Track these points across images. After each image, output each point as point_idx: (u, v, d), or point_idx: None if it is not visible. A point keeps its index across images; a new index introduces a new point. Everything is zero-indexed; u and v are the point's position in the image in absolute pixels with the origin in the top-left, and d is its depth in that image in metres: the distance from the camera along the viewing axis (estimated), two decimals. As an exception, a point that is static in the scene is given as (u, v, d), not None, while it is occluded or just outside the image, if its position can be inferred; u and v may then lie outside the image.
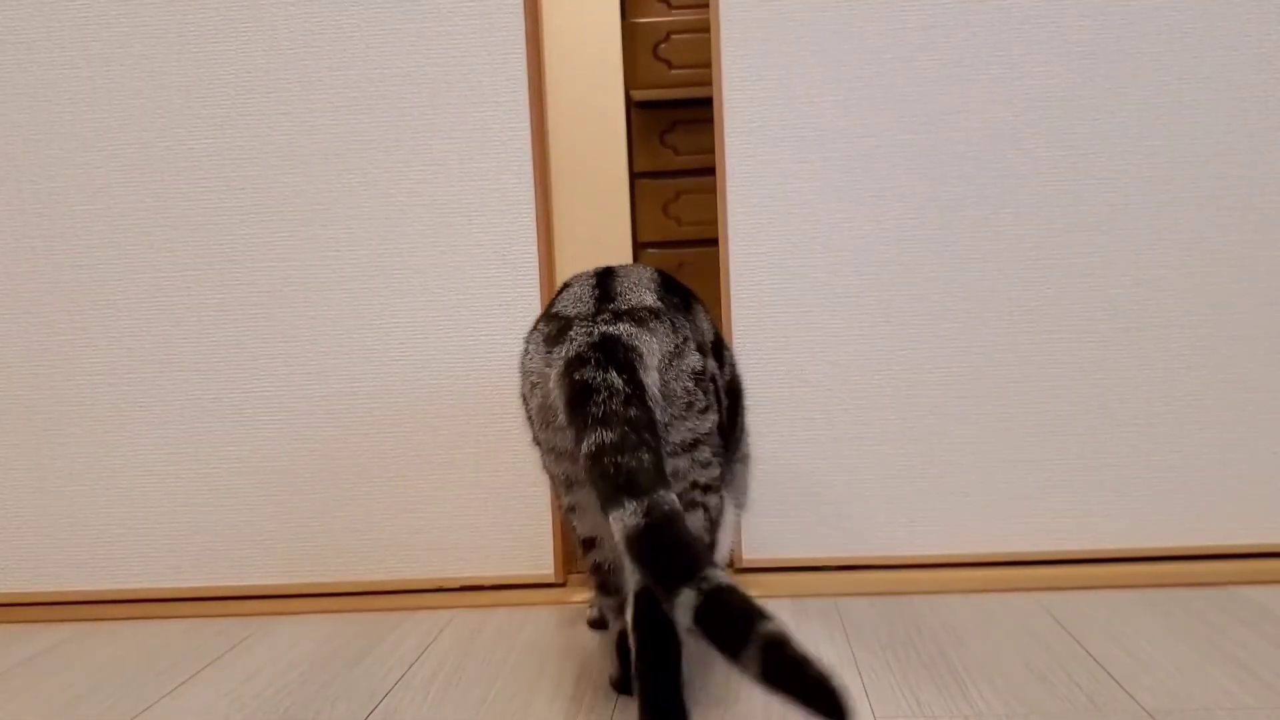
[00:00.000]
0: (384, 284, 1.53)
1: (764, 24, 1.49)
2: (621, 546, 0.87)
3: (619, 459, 0.89)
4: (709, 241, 1.53)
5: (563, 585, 1.55)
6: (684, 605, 0.82)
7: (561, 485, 1.09)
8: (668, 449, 1.01)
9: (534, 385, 1.05)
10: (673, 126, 2.95)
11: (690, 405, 1.03)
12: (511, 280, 1.52)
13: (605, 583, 1.11)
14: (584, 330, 0.99)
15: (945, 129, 1.49)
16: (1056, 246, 1.49)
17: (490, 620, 1.44)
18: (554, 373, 0.98)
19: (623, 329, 0.98)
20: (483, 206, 1.52)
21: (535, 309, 1.51)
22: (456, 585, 1.54)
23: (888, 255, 1.50)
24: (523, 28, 1.50)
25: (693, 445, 1.05)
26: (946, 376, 1.51)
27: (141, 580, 1.57)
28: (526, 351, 1.09)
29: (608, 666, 1.20)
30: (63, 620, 1.55)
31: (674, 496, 0.89)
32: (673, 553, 0.85)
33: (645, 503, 0.87)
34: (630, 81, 2.93)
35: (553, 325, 1.04)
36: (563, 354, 0.98)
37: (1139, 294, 1.49)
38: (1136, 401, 1.50)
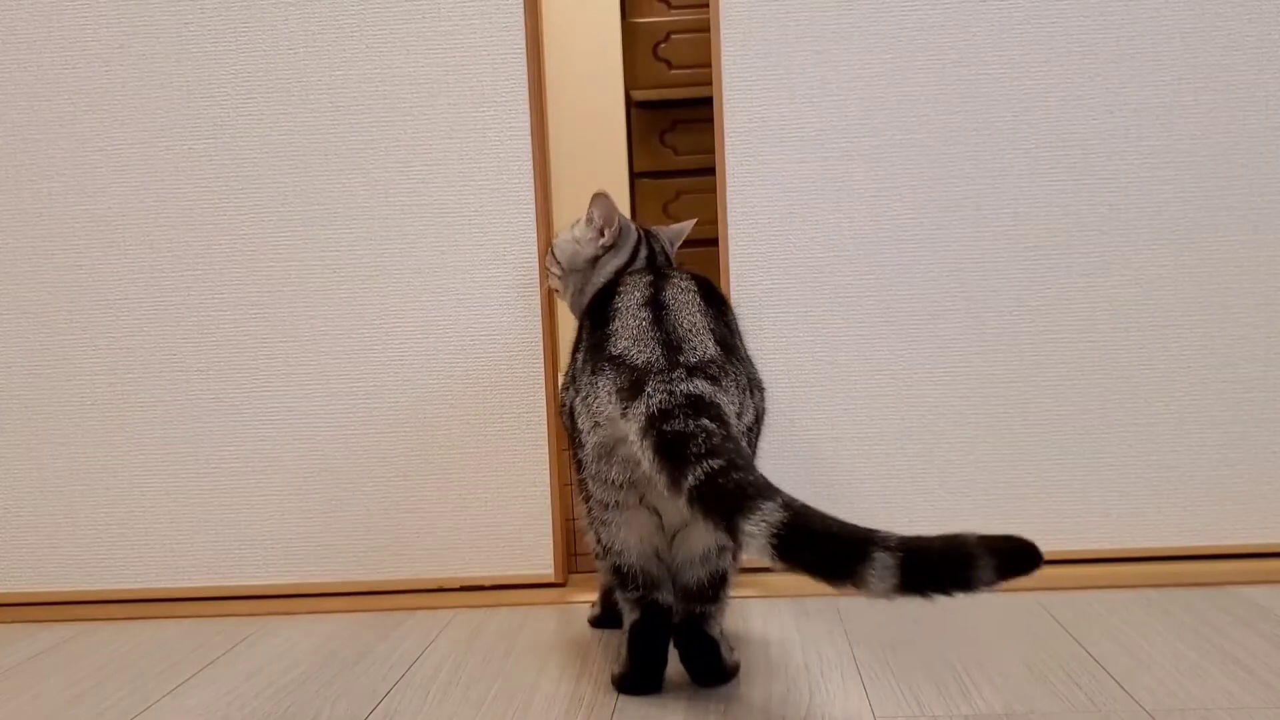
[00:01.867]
0: (384, 284, 1.53)
1: (764, 24, 1.49)
2: (765, 547, 0.90)
3: (734, 475, 0.94)
4: (709, 241, 1.53)
5: (563, 585, 1.55)
6: (881, 567, 0.85)
7: (599, 506, 1.14)
8: None
9: (597, 425, 1.10)
10: (673, 126, 2.95)
11: None
12: (511, 280, 1.52)
13: (626, 581, 1.14)
14: (663, 387, 1.04)
15: (945, 129, 1.49)
16: (1056, 246, 1.49)
17: (490, 620, 1.44)
18: (635, 426, 1.03)
19: (702, 387, 1.04)
20: (483, 206, 1.52)
21: (535, 309, 1.51)
22: (456, 585, 1.55)
23: (888, 255, 1.50)
24: (523, 28, 1.50)
25: None
26: (946, 376, 1.51)
27: (141, 580, 1.57)
28: (595, 388, 1.11)
29: (610, 665, 1.20)
30: (63, 620, 1.55)
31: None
32: (839, 531, 0.89)
33: (781, 499, 0.92)
34: (630, 81, 2.93)
35: (624, 375, 1.08)
36: (643, 409, 1.03)
37: (1139, 294, 1.49)
38: (1136, 401, 1.50)
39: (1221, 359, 1.49)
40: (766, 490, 0.93)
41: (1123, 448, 1.50)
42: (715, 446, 0.97)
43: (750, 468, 0.96)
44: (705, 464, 0.95)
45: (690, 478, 0.95)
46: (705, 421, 1.00)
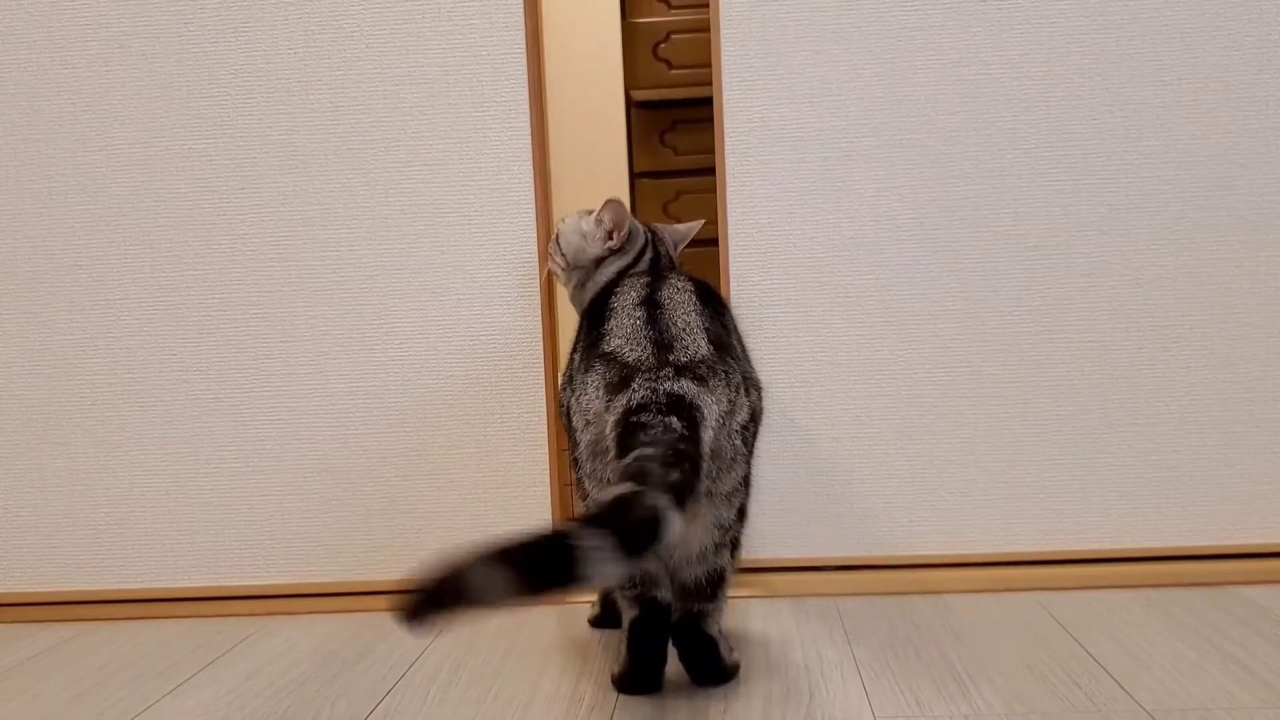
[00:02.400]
0: (384, 284, 1.53)
1: (764, 24, 1.49)
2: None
3: (643, 463, 0.95)
4: (709, 241, 1.53)
5: (563, 585, 1.55)
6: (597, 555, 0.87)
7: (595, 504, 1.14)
8: (717, 499, 1.10)
9: (589, 423, 1.11)
10: (673, 126, 2.95)
11: (735, 459, 1.11)
12: (511, 280, 1.52)
13: (625, 579, 1.14)
14: (647, 385, 1.05)
15: (945, 129, 1.49)
16: (1056, 246, 1.49)
17: (490, 620, 1.44)
18: (612, 419, 1.04)
19: (687, 388, 1.05)
20: (483, 206, 1.52)
21: (535, 309, 1.51)
22: (456, 585, 1.54)
23: (888, 255, 1.50)
24: (523, 28, 1.50)
25: (735, 489, 1.12)
26: (946, 376, 1.51)
27: (142, 580, 1.57)
28: (586, 385, 1.12)
29: (610, 665, 1.20)
30: (63, 620, 1.55)
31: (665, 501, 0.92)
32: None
33: (629, 490, 0.92)
34: (630, 81, 2.93)
35: (613, 371, 1.09)
36: (623, 403, 1.04)
37: (1139, 294, 1.49)
38: (1136, 401, 1.50)
39: (1221, 359, 1.49)
40: (640, 476, 0.93)
41: (1123, 448, 1.50)
42: (660, 438, 0.98)
43: (675, 465, 0.95)
44: (643, 449, 0.97)
45: (629, 457, 0.97)
46: (673, 419, 1.01)
